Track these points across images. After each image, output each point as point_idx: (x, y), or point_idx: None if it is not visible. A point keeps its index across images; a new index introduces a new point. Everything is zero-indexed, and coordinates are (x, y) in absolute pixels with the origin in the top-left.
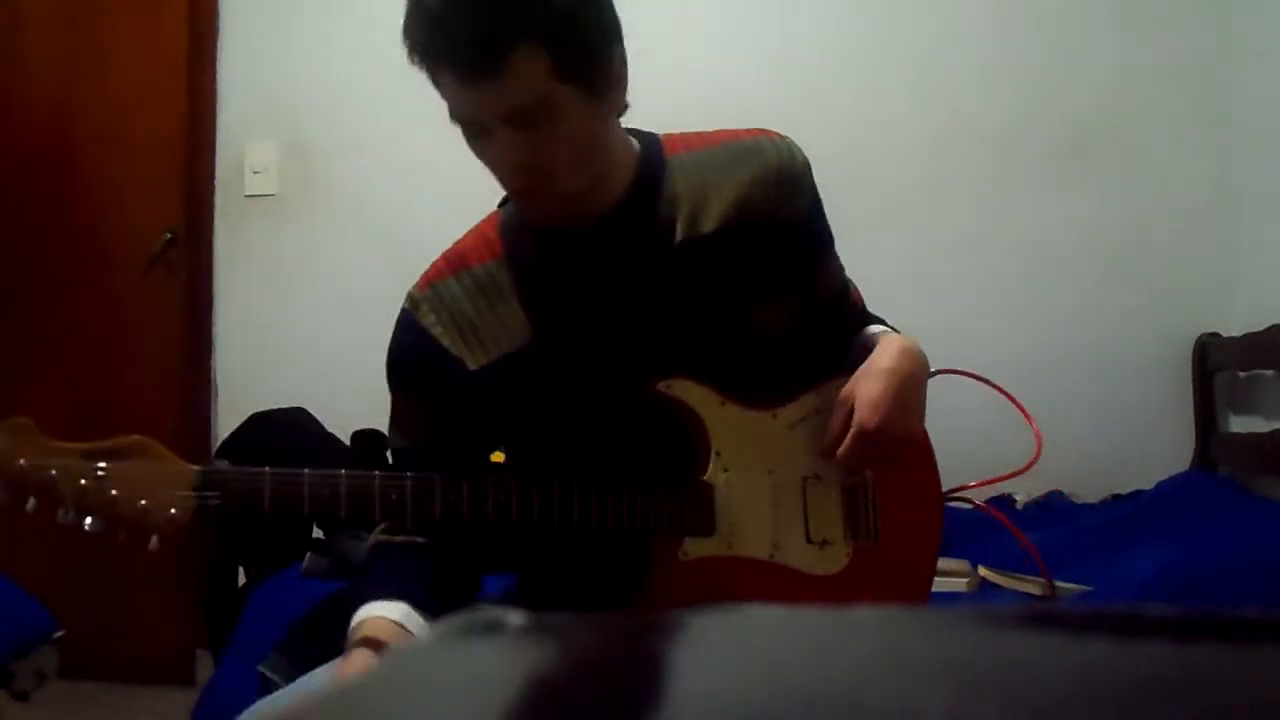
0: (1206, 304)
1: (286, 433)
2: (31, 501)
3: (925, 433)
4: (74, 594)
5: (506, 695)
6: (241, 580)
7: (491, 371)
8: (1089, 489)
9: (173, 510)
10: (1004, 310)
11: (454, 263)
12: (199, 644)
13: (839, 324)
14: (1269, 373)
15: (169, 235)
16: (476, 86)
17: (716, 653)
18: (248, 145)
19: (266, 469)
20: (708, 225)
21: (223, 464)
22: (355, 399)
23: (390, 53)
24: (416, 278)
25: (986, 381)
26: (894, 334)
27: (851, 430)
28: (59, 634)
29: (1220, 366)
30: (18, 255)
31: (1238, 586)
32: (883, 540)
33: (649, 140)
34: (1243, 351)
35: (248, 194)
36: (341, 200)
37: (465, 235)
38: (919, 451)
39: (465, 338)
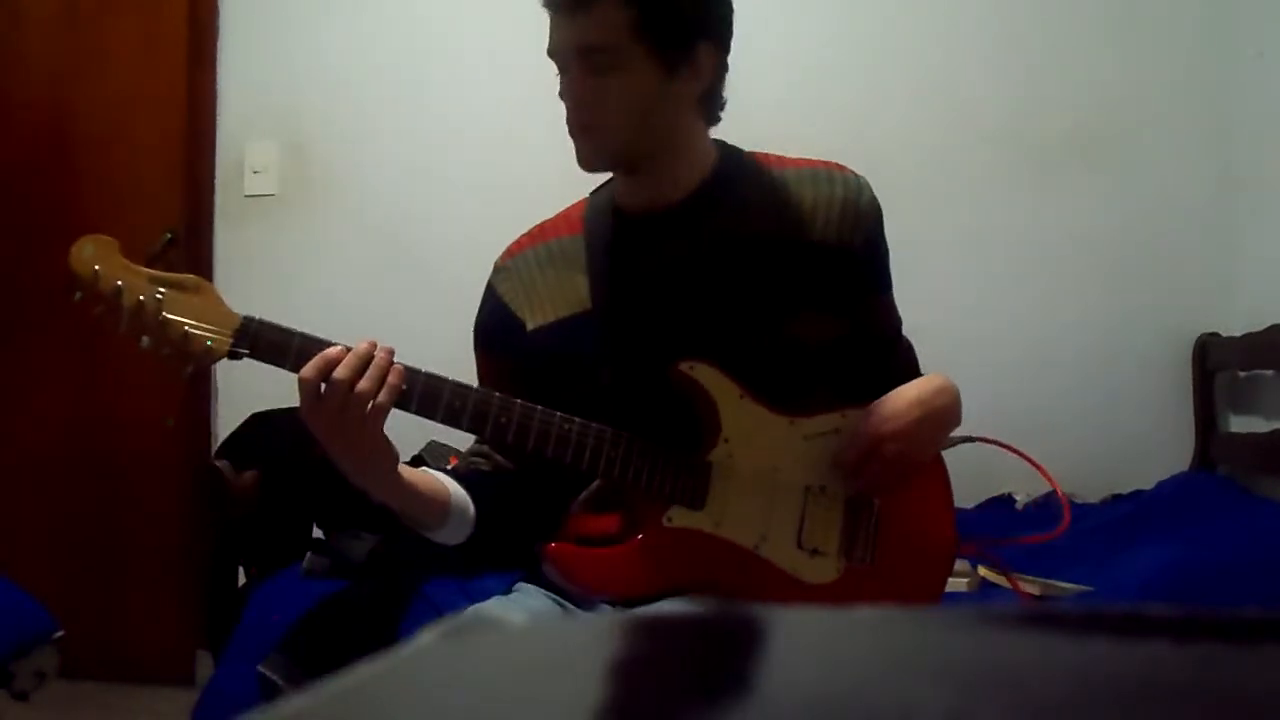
0: (1206, 304)
1: (287, 433)
2: (100, 308)
3: (948, 482)
4: (74, 594)
5: (506, 695)
6: (241, 580)
7: (547, 332)
8: (1089, 489)
9: (209, 343)
10: (1004, 310)
11: (535, 237)
12: (199, 644)
13: (883, 366)
14: (1269, 373)
15: (169, 235)
16: (559, 15)
17: (717, 653)
18: (248, 145)
19: (299, 331)
20: (766, 232)
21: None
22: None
23: (390, 52)
24: (415, 277)
25: (1015, 451)
26: (937, 375)
27: (860, 435)
28: (59, 634)
29: (1220, 366)
30: (18, 255)
31: (1238, 586)
32: (879, 565)
33: (730, 150)
34: (1243, 351)
35: (248, 194)
36: (341, 200)
37: (555, 215)
38: (934, 494)
39: (530, 300)
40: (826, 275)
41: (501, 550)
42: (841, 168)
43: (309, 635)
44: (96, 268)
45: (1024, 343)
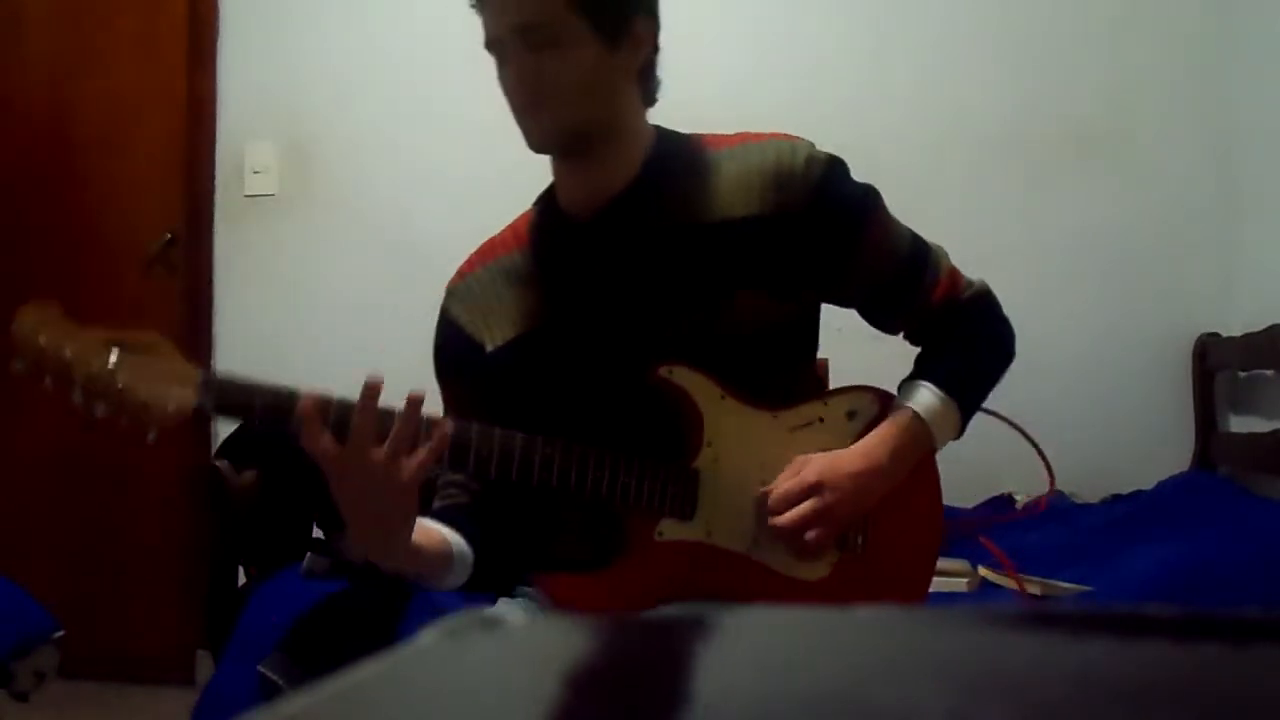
0: (1206, 304)
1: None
2: (48, 380)
3: (934, 462)
4: (74, 594)
5: (506, 695)
6: (241, 580)
7: (506, 350)
8: (1089, 489)
9: (171, 407)
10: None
11: (484, 255)
12: (199, 644)
13: (911, 296)
14: (1269, 373)
15: (169, 235)
16: (493, 2)
17: (718, 652)
18: (248, 145)
19: (263, 384)
20: (710, 216)
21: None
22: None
23: (390, 52)
24: (416, 277)
25: (1004, 419)
26: (908, 414)
27: (802, 509)
28: (59, 634)
29: (1220, 366)
30: (18, 255)
31: (1238, 586)
32: (870, 553)
33: (667, 133)
34: (1243, 351)
35: (248, 194)
36: (341, 200)
37: (500, 231)
38: (922, 472)
39: (486, 321)
40: (778, 246)
41: (483, 577)
42: (776, 135)
43: (309, 635)
44: (42, 340)
45: (1023, 343)
